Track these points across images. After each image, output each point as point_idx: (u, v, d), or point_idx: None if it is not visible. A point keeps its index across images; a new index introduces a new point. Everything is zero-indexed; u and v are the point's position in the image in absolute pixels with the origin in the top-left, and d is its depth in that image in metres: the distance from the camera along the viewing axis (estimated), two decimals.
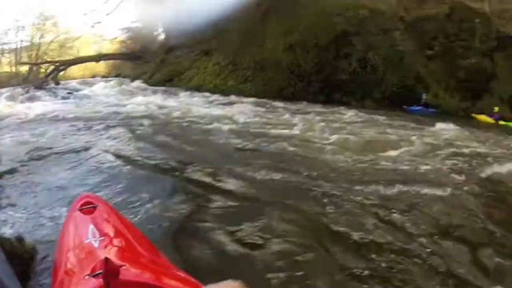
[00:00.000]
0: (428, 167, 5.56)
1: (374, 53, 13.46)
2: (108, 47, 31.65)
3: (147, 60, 21.37)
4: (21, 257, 2.43)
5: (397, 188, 4.46)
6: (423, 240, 3.25)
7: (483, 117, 13.00)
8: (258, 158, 5.78)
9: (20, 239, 2.61)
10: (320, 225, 3.49)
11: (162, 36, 23.82)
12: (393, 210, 3.83)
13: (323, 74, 13.03)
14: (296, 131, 8.06)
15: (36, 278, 2.45)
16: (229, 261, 2.82)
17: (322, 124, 8.95)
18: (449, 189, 4.51)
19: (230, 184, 4.42)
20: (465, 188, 4.67)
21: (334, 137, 7.35)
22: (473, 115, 13.28)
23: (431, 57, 14.39)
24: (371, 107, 12.44)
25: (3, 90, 20.60)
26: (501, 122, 12.70)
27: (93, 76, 32.93)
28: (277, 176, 4.78)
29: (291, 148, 6.45)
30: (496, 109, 13.12)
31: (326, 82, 13.00)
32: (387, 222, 3.58)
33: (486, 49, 14.10)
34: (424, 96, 13.67)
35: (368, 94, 13.21)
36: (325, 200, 4.05)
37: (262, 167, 5.11)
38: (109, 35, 33.05)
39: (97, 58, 27.38)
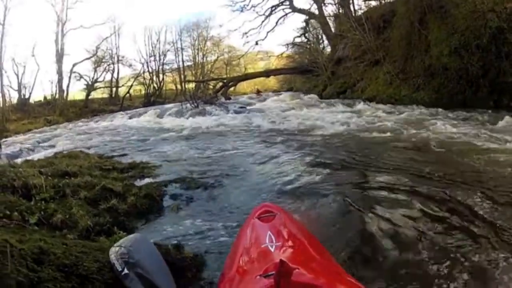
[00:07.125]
0: None
1: None
2: (276, 63, 32.53)
3: (317, 73, 21.79)
4: (176, 264, 2.42)
5: None
6: None
7: None
8: None
9: (178, 247, 2.62)
10: None
11: (328, 49, 24.10)
12: None
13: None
14: None
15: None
16: None
17: None
18: None
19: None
20: None
21: None
22: None
23: None
24: None
25: (171, 105, 22.74)
26: None
27: (264, 91, 34.73)
28: None
29: None
30: None
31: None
32: None
33: None
34: None
35: None
36: None
37: None
38: (274, 51, 33.99)
39: (266, 73, 28.26)
